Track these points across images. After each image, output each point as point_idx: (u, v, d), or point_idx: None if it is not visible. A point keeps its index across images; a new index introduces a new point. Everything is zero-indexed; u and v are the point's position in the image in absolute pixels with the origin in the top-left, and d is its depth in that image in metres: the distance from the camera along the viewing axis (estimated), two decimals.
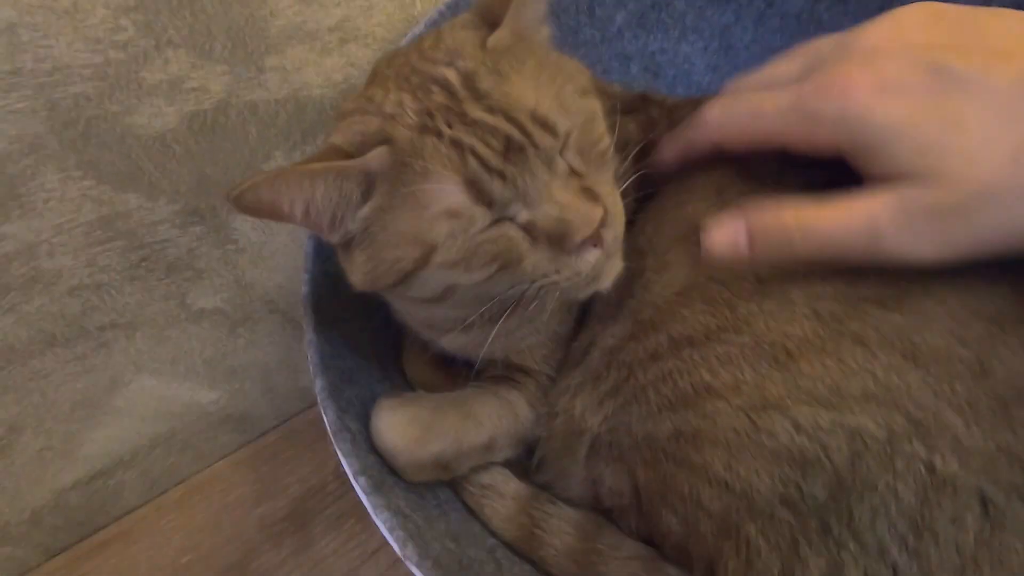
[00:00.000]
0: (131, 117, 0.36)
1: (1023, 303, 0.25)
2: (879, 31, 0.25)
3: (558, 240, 0.25)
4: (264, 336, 0.50)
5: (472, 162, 0.24)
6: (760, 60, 0.48)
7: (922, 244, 0.23)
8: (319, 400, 0.30)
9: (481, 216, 0.25)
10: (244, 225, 0.44)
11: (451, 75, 0.25)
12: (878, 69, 0.23)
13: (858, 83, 0.23)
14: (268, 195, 0.24)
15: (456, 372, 0.38)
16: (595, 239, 0.25)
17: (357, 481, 0.27)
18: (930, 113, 0.22)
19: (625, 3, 0.47)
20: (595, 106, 0.28)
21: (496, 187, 0.24)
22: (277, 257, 0.47)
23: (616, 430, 0.30)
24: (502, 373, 0.36)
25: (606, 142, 0.27)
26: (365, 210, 0.26)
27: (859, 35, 0.25)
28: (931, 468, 0.22)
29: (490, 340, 0.29)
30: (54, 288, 0.38)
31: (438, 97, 0.25)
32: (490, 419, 0.34)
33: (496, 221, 0.25)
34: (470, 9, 0.29)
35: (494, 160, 0.24)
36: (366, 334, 0.37)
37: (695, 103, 0.33)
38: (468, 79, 0.25)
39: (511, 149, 0.24)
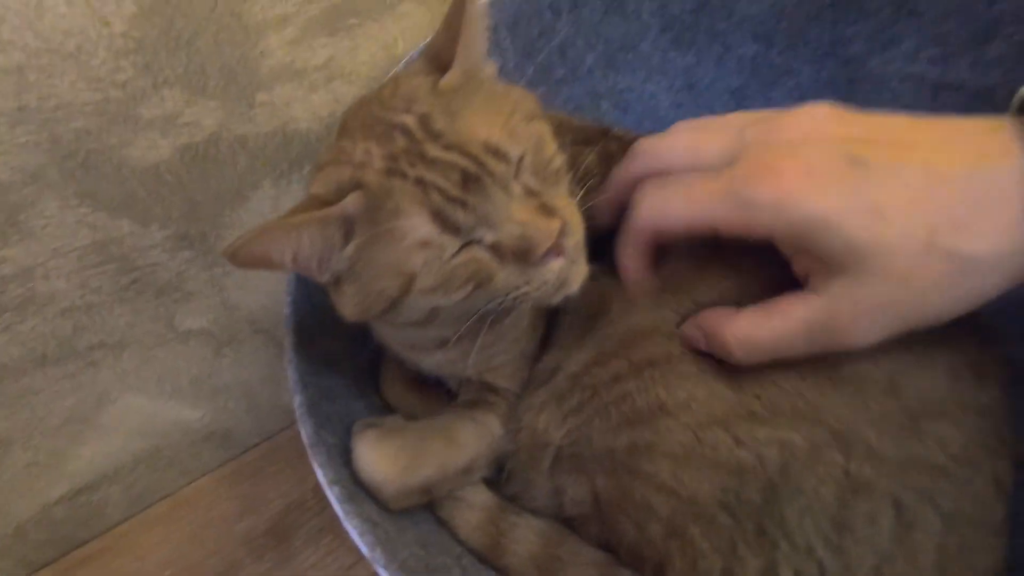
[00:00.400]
0: (127, 149, 0.38)
1: (922, 338, 0.27)
2: (798, 122, 0.26)
3: (523, 255, 0.27)
4: (248, 356, 0.52)
5: (435, 196, 0.26)
6: (721, 98, 0.52)
7: (855, 335, 0.25)
8: (297, 415, 0.32)
9: (450, 243, 0.27)
10: None
11: (409, 120, 0.27)
12: (804, 158, 0.24)
13: (789, 172, 0.24)
14: (259, 249, 0.27)
15: (432, 394, 0.40)
16: (557, 249, 0.27)
17: (331, 490, 0.28)
18: (854, 204, 0.23)
19: (594, 45, 0.51)
20: (543, 129, 0.30)
21: (460, 216, 0.26)
22: (262, 280, 0.50)
23: (578, 443, 0.33)
24: (475, 396, 0.38)
25: (558, 161, 0.29)
26: (348, 250, 0.28)
27: (779, 123, 0.26)
28: (847, 473, 0.25)
29: (471, 354, 0.31)
30: (47, 309, 0.40)
31: (400, 142, 0.27)
32: (470, 443, 0.35)
33: (465, 245, 0.27)
34: (420, 56, 0.31)
35: (454, 192, 0.26)
36: (345, 355, 0.39)
37: None
38: (424, 122, 0.27)
39: (469, 180, 0.26)
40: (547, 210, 0.28)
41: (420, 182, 0.26)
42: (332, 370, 0.37)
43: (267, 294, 0.51)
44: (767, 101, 0.50)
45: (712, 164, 0.27)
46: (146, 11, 0.35)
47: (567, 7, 0.49)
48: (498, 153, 0.27)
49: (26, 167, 0.35)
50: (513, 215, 0.27)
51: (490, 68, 0.32)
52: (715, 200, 0.26)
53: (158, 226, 0.42)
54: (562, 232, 0.27)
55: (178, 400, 0.50)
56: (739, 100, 0.51)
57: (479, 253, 0.27)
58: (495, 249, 0.27)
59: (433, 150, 0.26)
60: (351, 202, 0.27)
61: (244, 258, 0.26)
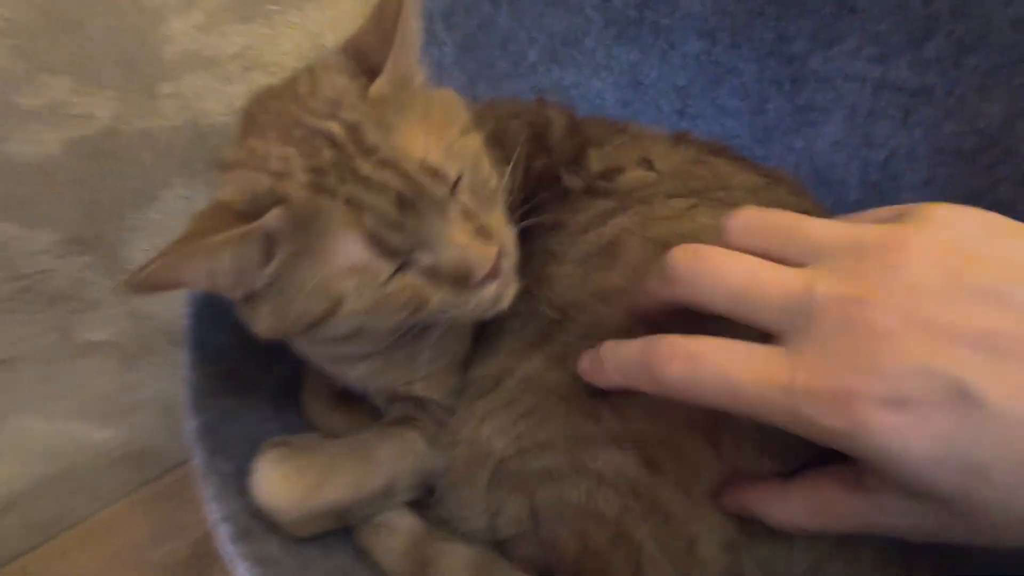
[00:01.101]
0: (6, 144, 0.34)
1: None
2: (893, 293, 0.18)
3: (461, 280, 0.26)
4: (166, 368, 0.48)
5: (369, 218, 0.24)
6: (667, 95, 0.51)
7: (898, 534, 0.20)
8: (189, 441, 0.29)
9: (385, 268, 0.25)
10: (138, 253, 0.43)
11: (336, 129, 0.25)
12: (893, 381, 0.18)
13: (868, 402, 0.18)
14: (171, 275, 0.24)
15: (357, 411, 0.38)
16: (494, 273, 0.27)
17: (219, 529, 0.25)
18: (950, 454, 0.17)
19: (537, 39, 0.49)
20: (478, 144, 0.28)
21: (396, 239, 0.25)
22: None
23: (523, 451, 0.30)
24: (400, 413, 0.35)
25: (494, 181, 0.28)
26: (269, 268, 0.26)
27: (868, 288, 0.19)
28: None
29: (396, 365, 0.30)
30: None
31: (326, 153, 0.25)
32: (389, 461, 0.33)
33: (400, 267, 0.26)
34: (340, 50, 0.28)
35: (391, 214, 0.24)
36: (258, 368, 0.36)
37: (601, 123, 0.36)
38: (354, 132, 0.25)
39: (405, 203, 0.24)
40: (484, 233, 0.27)
41: (351, 202, 0.24)
42: (240, 387, 0.34)
43: (183, 302, 0.47)
44: (713, 100, 0.49)
45: (766, 320, 0.20)
46: None
47: None
48: (436, 173, 0.25)
49: None
50: (451, 239, 0.26)
51: (420, 76, 0.29)
52: (764, 393, 0.19)
53: (49, 229, 0.38)
54: (499, 255, 0.27)
55: (84, 419, 0.46)
56: (684, 98, 0.50)
57: (415, 279, 0.26)
58: (431, 272, 0.26)
59: (365, 167, 0.24)
60: (273, 218, 0.24)
61: (149, 287, 0.24)
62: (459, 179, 0.26)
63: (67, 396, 0.44)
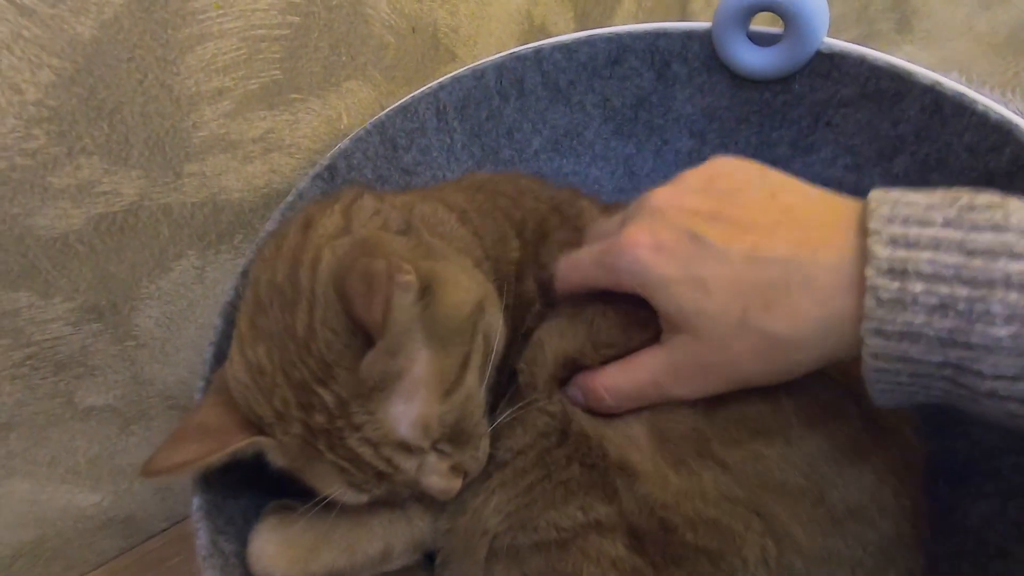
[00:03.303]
0: (32, 219, 0.36)
1: (861, 442, 0.29)
2: (667, 193, 0.30)
3: (430, 498, 0.31)
4: (160, 433, 0.48)
5: (351, 478, 0.28)
6: (659, 185, 0.54)
7: (690, 389, 0.29)
8: (193, 520, 0.29)
9: (366, 496, 0.29)
10: (147, 321, 0.43)
11: (327, 398, 0.26)
12: (657, 235, 0.28)
13: (640, 243, 0.28)
14: (172, 473, 0.28)
15: None
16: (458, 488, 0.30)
17: None
18: (686, 275, 0.27)
19: (540, 130, 0.52)
20: (465, 392, 0.28)
21: (374, 491, 0.29)
22: (182, 352, 0.46)
23: (513, 528, 0.31)
24: None
25: (476, 418, 0.30)
26: (270, 461, 0.29)
27: (652, 195, 0.30)
28: (778, 562, 0.27)
29: None
30: None
31: (319, 418, 0.27)
32: (383, 526, 0.33)
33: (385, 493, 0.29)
34: (334, 287, 0.26)
35: (369, 482, 0.28)
36: None
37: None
38: (343, 408, 0.26)
39: (382, 476, 0.28)
40: (455, 469, 0.30)
41: (336, 466, 0.28)
42: (244, 462, 0.34)
43: (188, 367, 0.47)
44: None
45: (609, 233, 0.32)
46: (65, 80, 0.33)
47: (515, 94, 0.50)
48: (412, 449, 0.28)
49: None
50: (422, 483, 0.29)
51: (413, 313, 0.27)
52: (592, 266, 0.31)
53: (62, 298, 0.39)
54: (464, 478, 0.30)
55: (72, 483, 0.45)
56: None
57: (393, 490, 0.30)
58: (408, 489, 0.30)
59: (351, 440, 0.27)
60: (265, 442, 0.28)
61: (155, 474, 0.28)
62: (439, 439, 0.29)
63: (59, 460, 0.44)
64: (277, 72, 0.42)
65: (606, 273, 0.30)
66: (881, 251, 0.22)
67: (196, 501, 0.30)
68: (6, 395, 0.39)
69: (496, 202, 0.38)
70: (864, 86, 0.39)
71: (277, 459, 0.29)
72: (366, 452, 0.27)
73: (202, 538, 0.28)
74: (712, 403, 0.29)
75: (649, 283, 0.28)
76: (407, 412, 0.27)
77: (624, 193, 0.55)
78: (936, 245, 0.22)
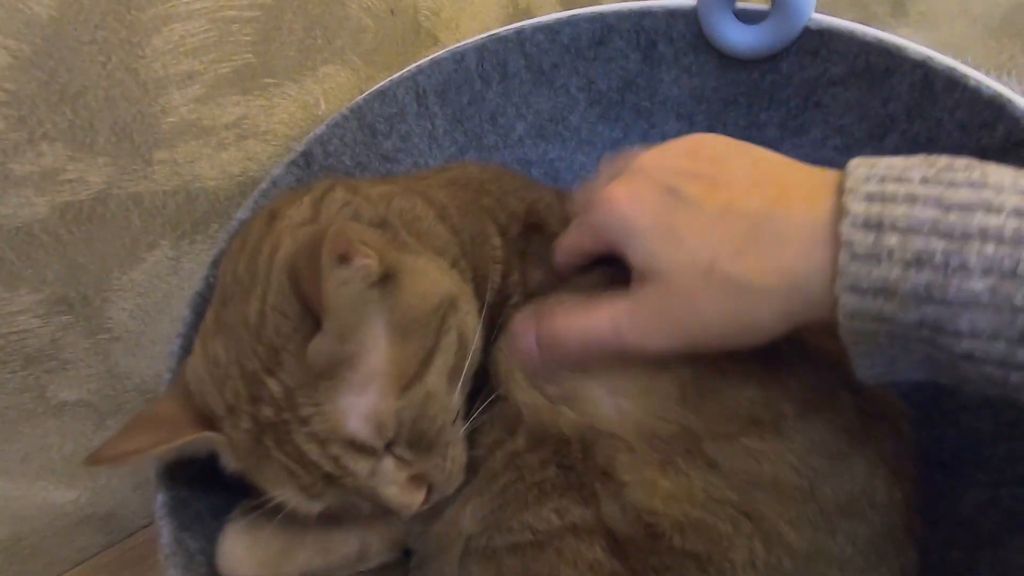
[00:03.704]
0: None
1: (854, 432, 0.28)
2: (650, 155, 0.30)
3: (391, 512, 0.28)
4: None
5: (301, 482, 0.26)
6: None
7: (648, 338, 0.28)
8: (156, 516, 0.28)
9: (318, 505, 0.27)
10: (121, 314, 0.42)
11: (275, 388, 0.25)
12: (635, 188, 0.29)
13: (618, 197, 0.29)
14: (121, 459, 0.27)
15: None
16: (423, 505, 0.28)
17: None
18: (658, 224, 0.27)
19: (524, 115, 0.51)
20: (425, 389, 0.27)
21: (326, 497, 0.27)
22: (158, 345, 0.45)
23: (493, 527, 0.30)
24: None
25: (439, 421, 0.28)
26: (223, 463, 0.28)
27: (637, 156, 0.31)
28: (766, 563, 0.26)
29: None
30: None
31: (266, 411, 0.25)
32: (358, 525, 0.33)
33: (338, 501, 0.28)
34: (284, 272, 0.26)
35: (318, 485, 0.26)
36: None
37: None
38: (289, 399, 0.25)
39: (331, 480, 0.26)
40: (416, 480, 0.28)
41: (285, 467, 0.26)
42: (211, 459, 0.33)
43: (162, 360, 0.46)
44: None
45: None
46: (24, 63, 0.32)
47: (497, 78, 0.49)
48: (363, 448, 0.26)
49: None
50: (379, 491, 0.27)
51: (373, 300, 0.26)
52: (577, 230, 0.32)
53: (28, 290, 0.38)
54: (429, 493, 0.28)
55: (47, 480, 0.44)
56: None
57: (350, 500, 0.28)
58: (367, 499, 0.28)
59: (298, 436, 0.25)
60: (216, 439, 0.27)
61: (106, 463, 0.27)
62: (395, 439, 0.27)
63: (32, 457, 0.43)
64: (249, 55, 0.41)
65: (589, 231, 0.30)
66: (857, 206, 0.22)
67: (160, 497, 0.29)
68: None
69: (479, 201, 0.37)
70: (854, 63, 0.37)
71: (229, 460, 0.28)
72: (312, 450, 0.25)
73: (165, 536, 0.27)
74: (703, 394, 0.28)
75: (623, 232, 0.28)
76: (357, 404, 0.25)
77: (611, 179, 0.54)
78: (912, 199, 0.21)
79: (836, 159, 0.43)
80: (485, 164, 0.46)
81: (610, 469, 0.28)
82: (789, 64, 0.41)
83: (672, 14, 0.44)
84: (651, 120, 0.50)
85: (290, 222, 0.29)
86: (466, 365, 0.29)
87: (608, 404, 0.30)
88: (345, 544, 0.32)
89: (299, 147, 0.43)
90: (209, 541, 0.29)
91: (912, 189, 0.21)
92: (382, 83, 0.46)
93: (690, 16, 0.43)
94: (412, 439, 0.27)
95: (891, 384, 0.31)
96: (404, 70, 0.46)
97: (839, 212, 0.22)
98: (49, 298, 0.38)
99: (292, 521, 0.31)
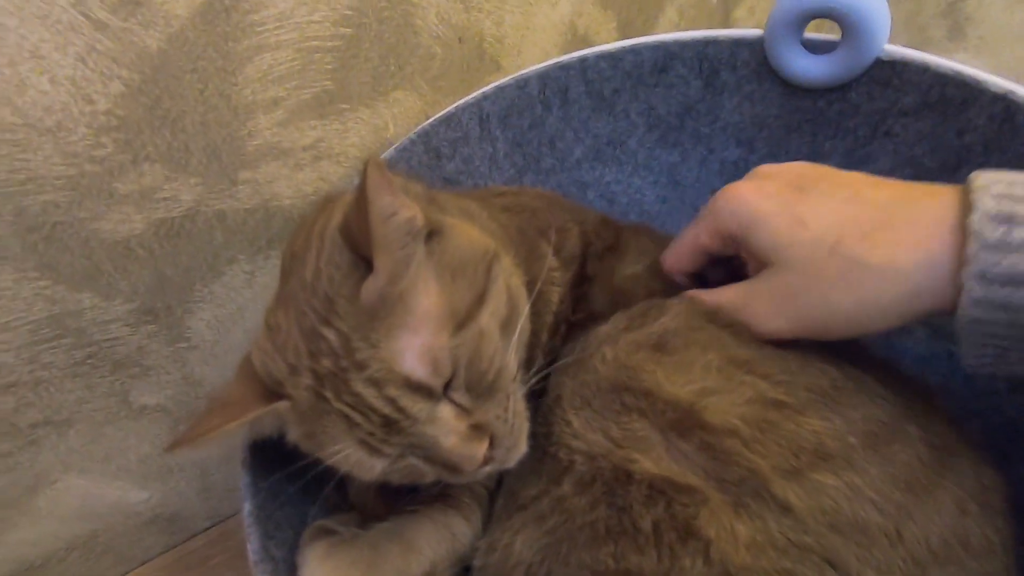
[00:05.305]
0: (98, 223, 0.37)
1: (931, 466, 0.27)
2: (775, 166, 0.32)
3: (452, 469, 0.28)
4: None
5: (360, 432, 0.26)
6: (703, 195, 0.53)
7: (765, 318, 0.29)
8: (245, 525, 0.29)
9: (380, 462, 0.27)
10: (199, 324, 0.45)
11: (331, 337, 0.26)
12: (761, 184, 0.31)
13: (746, 189, 0.31)
14: (200, 444, 0.27)
15: (396, 491, 0.38)
16: (485, 461, 0.27)
17: None
18: (785, 211, 0.29)
19: (583, 139, 0.52)
20: (478, 329, 0.27)
21: (386, 449, 0.27)
22: (231, 354, 0.47)
23: (552, 557, 0.30)
24: (439, 490, 0.36)
25: (496, 364, 0.27)
26: (288, 436, 0.29)
27: (763, 167, 0.33)
28: None
29: None
30: None
31: (325, 362, 0.26)
32: (429, 545, 0.33)
33: (398, 456, 0.27)
34: (339, 231, 0.27)
35: (378, 433, 0.26)
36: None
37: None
38: (346, 344, 0.26)
39: (390, 423, 0.26)
40: (477, 429, 0.27)
41: (344, 416, 0.26)
42: (285, 467, 0.35)
43: (234, 369, 0.48)
44: None
45: None
46: (134, 91, 0.35)
47: (557, 103, 0.50)
48: (420, 388, 0.26)
49: None
50: (439, 441, 0.27)
51: (418, 251, 0.27)
52: (694, 225, 0.33)
53: (122, 300, 0.40)
54: (491, 447, 0.28)
55: (124, 480, 0.47)
56: None
57: (412, 461, 0.28)
58: (426, 458, 0.28)
59: (356, 382, 0.26)
60: (282, 408, 0.28)
61: (189, 447, 0.27)
62: (451, 379, 0.27)
63: (112, 457, 0.45)
64: (328, 82, 0.43)
65: (709, 224, 0.32)
66: (988, 202, 0.23)
67: (247, 507, 0.30)
68: (67, 392, 0.40)
69: (534, 222, 0.38)
70: (927, 94, 0.37)
71: (293, 428, 0.28)
72: (370, 394, 0.25)
73: (254, 543, 0.28)
74: (763, 430, 0.27)
75: (748, 218, 0.29)
76: (411, 343, 0.25)
77: (667, 203, 0.55)
78: None
79: None
80: (540, 191, 0.47)
81: (693, 527, 0.27)
82: (858, 93, 0.41)
83: (737, 43, 0.44)
84: (710, 145, 0.51)
85: (342, 200, 0.31)
86: (519, 322, 0.29)
87: (672, 450, 0.29)
88: (418, 566, 0.32)
89: None
90: (290, 550, 0.30)
91: None
92: (448, 109, 0.48)
93: (755, 45, 0.44)
94: (469, 382, 0.27)
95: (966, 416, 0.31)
96: (469, 96, 0.48)
97: (966, 208, 0.24)
98: (139, 308, 0.41)
99: (369, 548, 0.32)
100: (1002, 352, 0.24)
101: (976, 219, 0.23)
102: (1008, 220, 0.22)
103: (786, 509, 0.26)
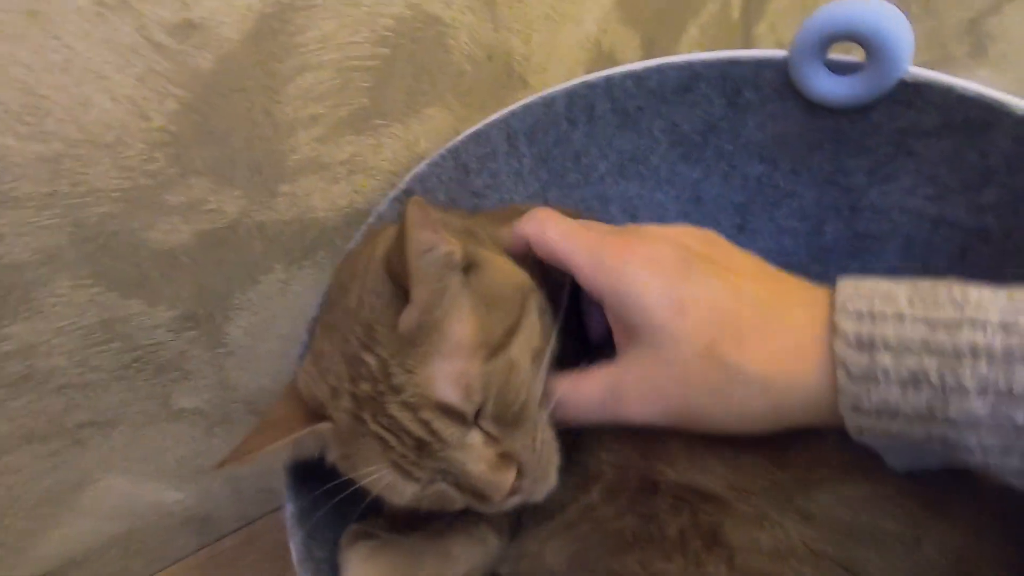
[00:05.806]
0: (148, 233, 0.39)
1: (944, 482, 0.27)
2: (671, 229, 0.31)
3: (481, 498, 0.29)
4: (240, 436, 0.51)
5: (394, 455, 0.28)
6: (725, 211, 0.54)
7: (632, 408, 0.28)
8: (287, 526, 0.31)
9: (411, 487, 0.28)
10: (237, 330, 0.46)
11: (371, 362, 0.27)
12: (655, 250, 0.29)
13: (639, 254, 0.29)
14: (246, 463, 0.29)
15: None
16: (512, 491, 0.28)
17: None
18: (667, 293, 0.27)
19: (607, 155, 0.53)
20: (508, 359, 0.28)
21: (417, 472, 0.28)
22: (265, 360, 0.49)
23: (580, 565, 0.31)
24: None
25: (524, 392, 0.28)
26: (328, 456, 0.30)
27: (651, 226, 0.32)
28: None
29: None
30: (43, 386, 0.39)
31: (364, 386, 0.27)
32: (464, 556, 0.35)
33: (429, 481, 0.29)
34: (382, 262, 0.29)
35: (410, 455, 0.27)
36: None
37: None
38: (384, 369, 0.27)
39: (423, 446, 0.27)
40: (506, 458, 0.28)
41: (379, 438, 0.27)
42: (327, 472, 0.36)
43: (269, 375, 0.50)
44: (771, 218, 0.52)
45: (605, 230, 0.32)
46: (186, 109, 0.37)
47: (583, 120, 0.52)
48: (452, 413, 0.27)
49: (45, 248, 0.35)
50: (468, 469, 0.28)
51: (455, 280, 0.29)
52: (583, 247, 0.30)
53: (166, 306, 0.42)
54: (519, 476, 0.28)
55: (161, 481, 0.48)
56: (743, 214, 0.53)
57: (442, 487, 0.29)
58: (456, 484, 0.29)
59: (392, 406, 0.27)
60: (324, 430, 0.29)
61: (235, 465, 0.29)
62: (482, 408, 0.28)
63: (151, 458, 0.47)
64: (365, 100, 0.45)
65: (593, 263, 0.29)
66: (847, 324, 0.22)
67: (289, 508, 0.31)
68: (113, 394, 0.42)
69: None
70: (949, 116, 0.38)
71: (333, 449, 0.30)
72: (405, 416, 0.26)
73: (296, 543, 0.30)
74: (787, 445, 0.28)
75: (628, 287, 0.28)
76: (445, 369, 0.27)
77: (689, 218, 0.56)
78: (900, 318, 0.22)
79: (927, 208, 0.43)
80: (563, 208, 0.48)
81: (719, 536, 0.28)
82: (880, 113, 0.42)
83: (760, 63, 0.46)
84: (732, 162, 0.52)
85: (385, 233, 0.33)
86: (548, 352, 0.30)
87: (698, 464, 0.30)
88: (454, 572, 0.34)
89: (402, 184, 0.47)
90: (330, 551, 0.32)
91: (899, 308, 0.22)
92: (477, 126, 0.49)
93: (779, 65, 0.45)
94: (498, 412, 0.28)
95: None
96: (497, 114, 0.49)
97: (832, 328, 0.23)
98: (182, 314, 0.43)
99: (408, 555, 0.33)
100: (916, 457, 0.24)
101: (839, 346, 0.22)
102: (869, 345, 0.22)
103: (808, 519, 0.27)
